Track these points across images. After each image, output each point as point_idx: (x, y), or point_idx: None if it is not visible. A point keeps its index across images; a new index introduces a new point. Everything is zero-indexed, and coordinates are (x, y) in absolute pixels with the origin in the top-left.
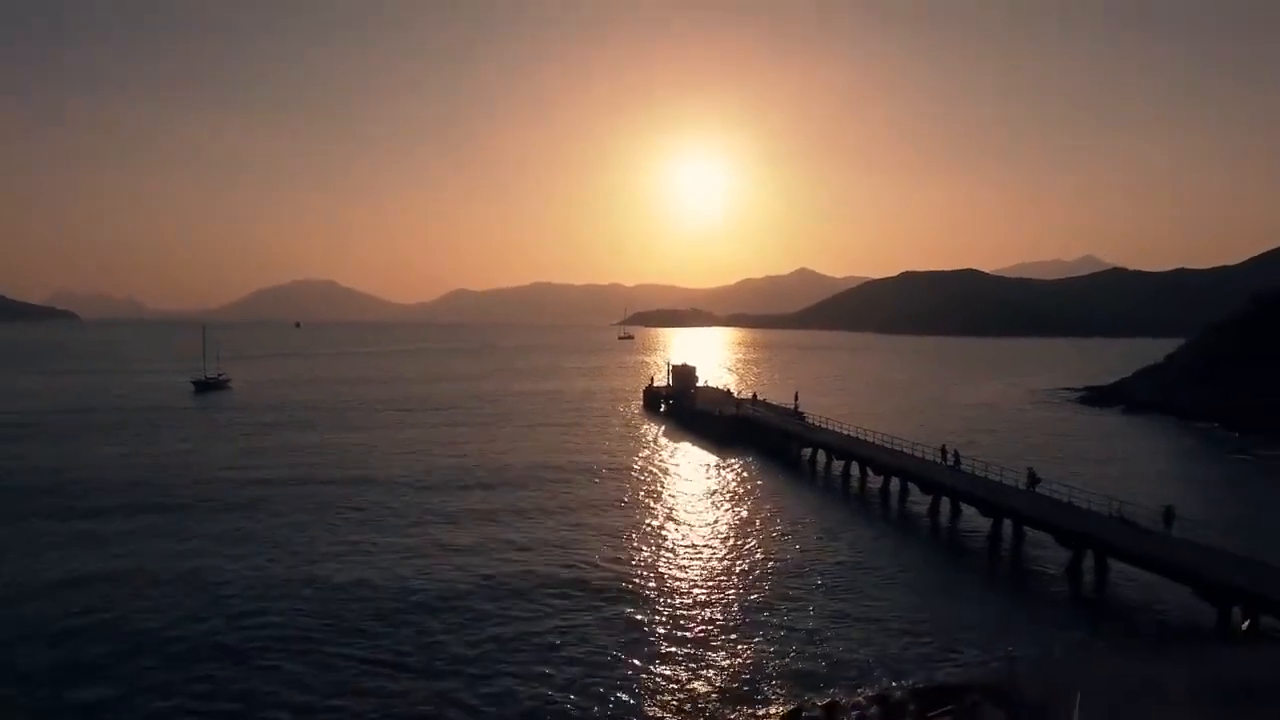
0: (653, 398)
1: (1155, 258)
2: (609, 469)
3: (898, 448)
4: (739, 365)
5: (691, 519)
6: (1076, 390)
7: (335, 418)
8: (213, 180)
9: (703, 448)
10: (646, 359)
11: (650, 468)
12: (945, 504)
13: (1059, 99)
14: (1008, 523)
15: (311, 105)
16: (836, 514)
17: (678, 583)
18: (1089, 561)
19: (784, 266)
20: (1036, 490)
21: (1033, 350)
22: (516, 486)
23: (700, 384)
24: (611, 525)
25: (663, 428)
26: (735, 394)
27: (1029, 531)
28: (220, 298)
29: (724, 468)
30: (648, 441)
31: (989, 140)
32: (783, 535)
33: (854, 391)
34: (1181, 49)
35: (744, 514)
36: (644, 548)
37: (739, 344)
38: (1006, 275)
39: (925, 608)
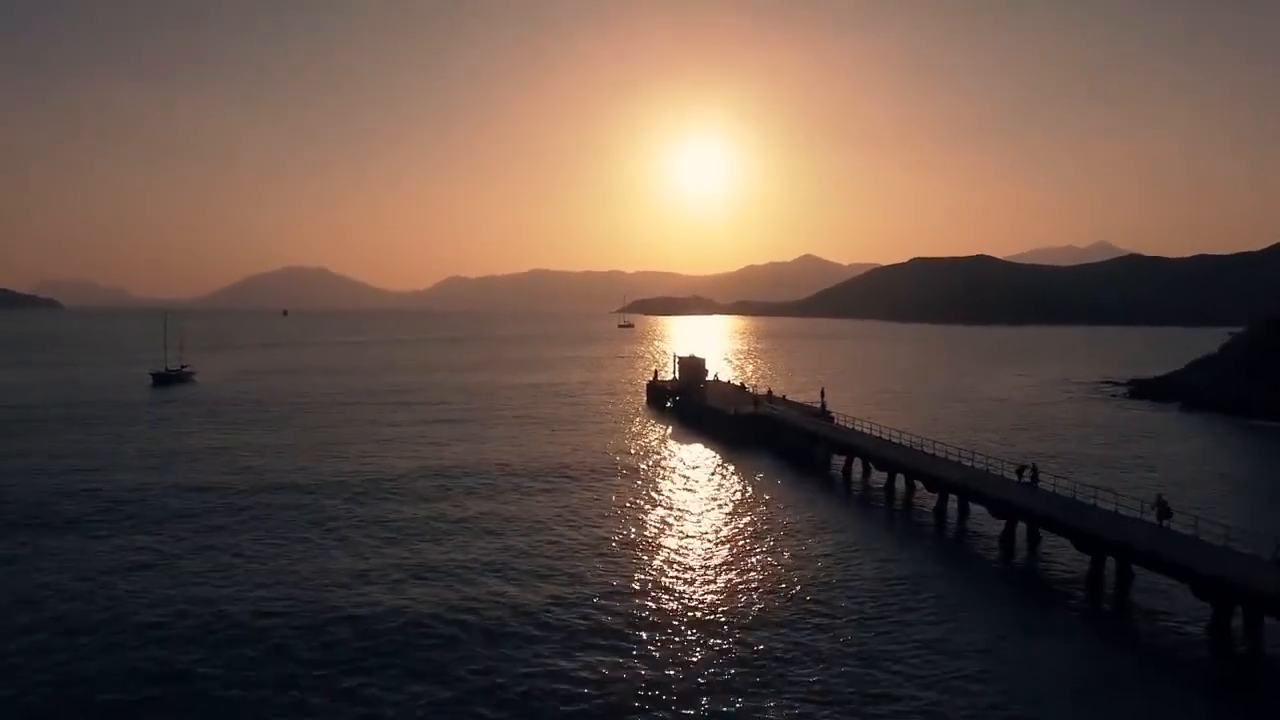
0: (657, 393)
1: (1172, 244)
2: (608, 475)
3: (950, 455)
4: (745, 355)
5: (704, 538)
6: (1120, 384)
7: (304, 413)
8: (202, 166)
9: (715, 451)
10: (648, 349)
11: (655, 474)
12: (1021, 529)
13: (1071, 80)
14: (1111, 561)
15: (304, 90)
16: (880, 538)
17: (689, 618)
18: (1237, 620)
19: (788, 253)
20: (1167, 524)
21: (1050, 339)
22: (503, 494)
23: (709, 377)
24: (609, 543)
25: (669, 428)
26: (753, 389)
27: (1136, 570)
28: (209, 285)
29: (740, 476)
30: (652, 443)
31: (1000, 123)
32: (816, 563)
33: (871, 384)
34: (1197, 26)
35: (767, 537)
36: (647, 572)
37: (743, 333)
38: (1018, 262)
39: (1009, 675)
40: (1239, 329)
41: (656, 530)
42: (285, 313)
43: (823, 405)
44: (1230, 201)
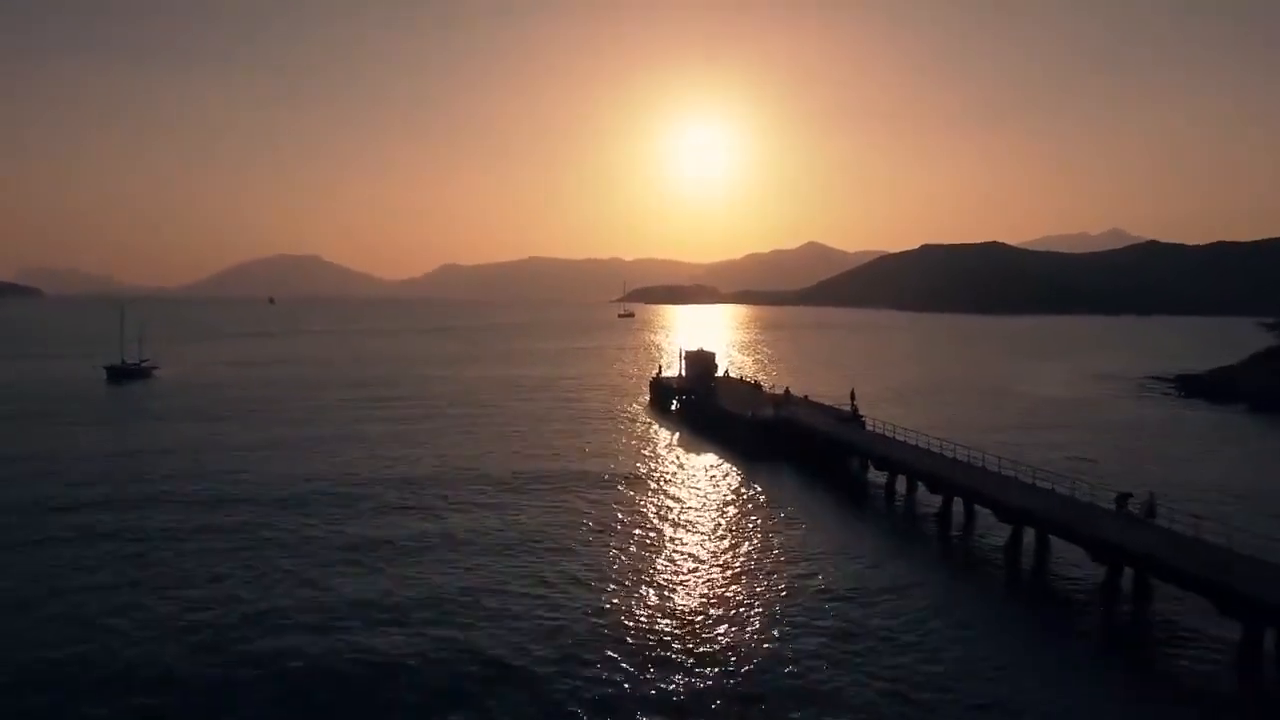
0: (661, 391)
1: (1190, 230)
2: (604, 491)
3: (1018, 473)
4: (753, 347)
5: (722, 572)
6: (1166, 380)
7: (268, 413)
8: (191, 150)
9: (730, 462)
10: (650, 340)
11: (659, 490)
12: (1129, 577)
13: (1082, 62)
14: (1271, 633)
15: (295, 73)
16: (941, 582)
17: (702, 675)
18: None
19: (792, 240)
20: None
21: (1070, 330)
22: (482, 510)
23: (719, 373)
24: (606, 576)
25: (675, 433)
26: (769, 388)
27: None
28: (197, 272)
29: (761, 495)
30: (656, 451)
31: (1008, 106)
32: (869, 617)
33: (894, 379)
34: (1214, 5)
35: (801, 576)
36: (653, 612)
37: (748, 323)
38: (1030, 249)
39: None
40: (1269, 320)
41: (663, 561)
42: (271, 301)
43: (853, 408)
44: (1250, 187)
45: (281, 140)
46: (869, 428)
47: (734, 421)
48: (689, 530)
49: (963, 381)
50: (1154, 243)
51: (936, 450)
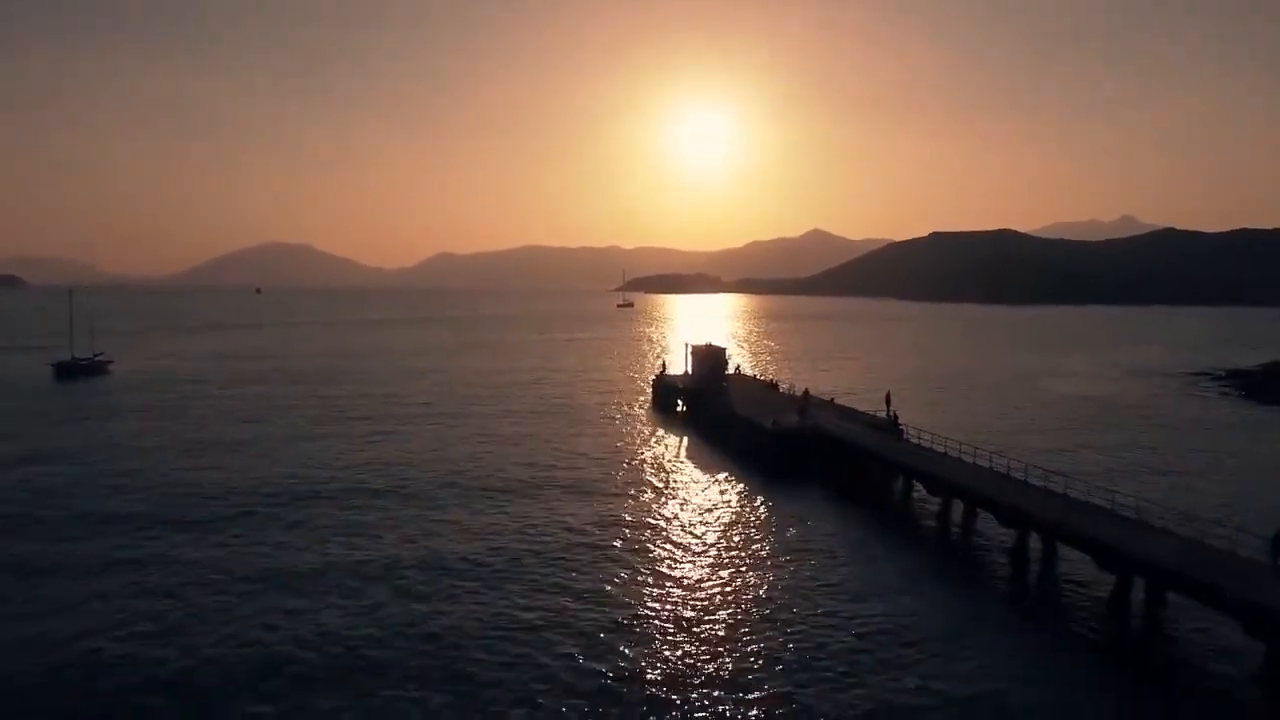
0: (665, 391)
1: (1205, 217)
2: (597, 515)
3: (1109, 502)
4: (760, 339)
5: (735, 623)
6: (1216, 376)
7: (224, 411)
8: (179, 136)
9: (746, 482)
10: (650, 331)
11: (661, 515)
12: None
13: (1092, 44)
14: None
15: (286, 55)
16: (1020, 638)
17: None
18: None
19: (795, 227)
20: None
21: (1092, 320)
22: (453, 533)
23: (730, 370)
24: (596, 626)
25: (682, 441)
26: (787, 388)
27: None
28: (186, 261)
29: (785, 521)
30: (658, 465)
31: (1016, 90)
32: (916, 676)
33: (918, 376)
34: None
35: (833, 620)
36: (652, 675)
37: (752, 313)
38: (1041, 237)
39: None
40: None
41: (665, 605)
42: (259, 290)
43: (890, 415)
44: (1269, 172)
45: (273, 126)
46: (906, 437)
47: (751, 430)
48: (697, 565)
49: (990, 377)
50: (1170, 230)
51: (1002, 469)
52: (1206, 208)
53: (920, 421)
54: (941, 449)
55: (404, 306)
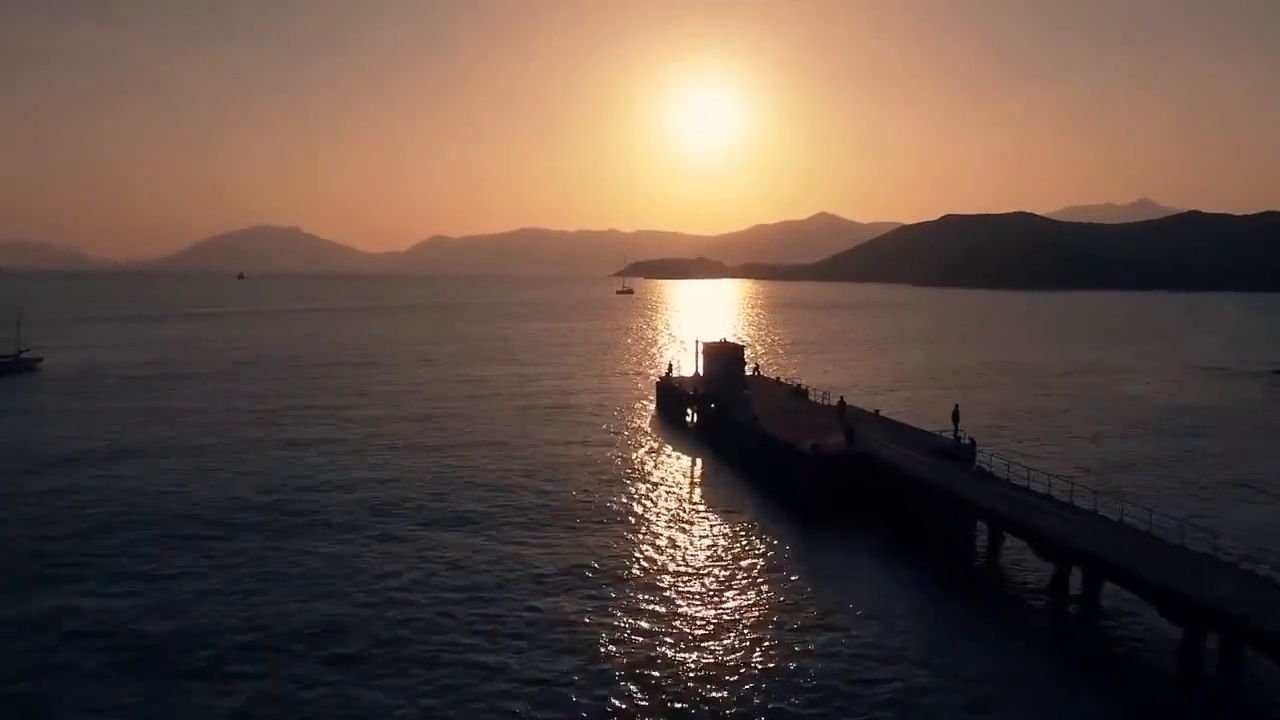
0: (672, 399)
1: (1229, 200)
2: (585, 567)
3: None
4: (768, 330)
5: None
6: None
7: (156, 414)
8: (163, 116)
9: (780, 522)
10: (653, 322)
11: (664, 574)
12: None
13: (1106, 18)
14: None
15: (275, 32)
16: None
17: None
18: None
19: (802, 210)
20: None
21: (1131, 308)
22: (414, 586)
23: (748, 370)
24: None
25: (694, 466)
26: (822, 397)
27: None
28: (173, 245)
29: (833, 582)
30: (661, 502)
31: (1028, 67)
32: None
33: (953, 373)
34: None
35: None
36: None
37: (757, 300)
38: (1057, 220)
39: None
40: None
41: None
42: (241, 276)
43: (959, 436)
44: None
45: (261, 106)
46: (982, 462)
47: (783, 455)
48: (721, 644)
49: (1044, 376)
50: (1195, 213)
51: (1142, 526)
52: (1230, 190)
53: (985, 437)
54: (1028, 480)
55: (390, 293)
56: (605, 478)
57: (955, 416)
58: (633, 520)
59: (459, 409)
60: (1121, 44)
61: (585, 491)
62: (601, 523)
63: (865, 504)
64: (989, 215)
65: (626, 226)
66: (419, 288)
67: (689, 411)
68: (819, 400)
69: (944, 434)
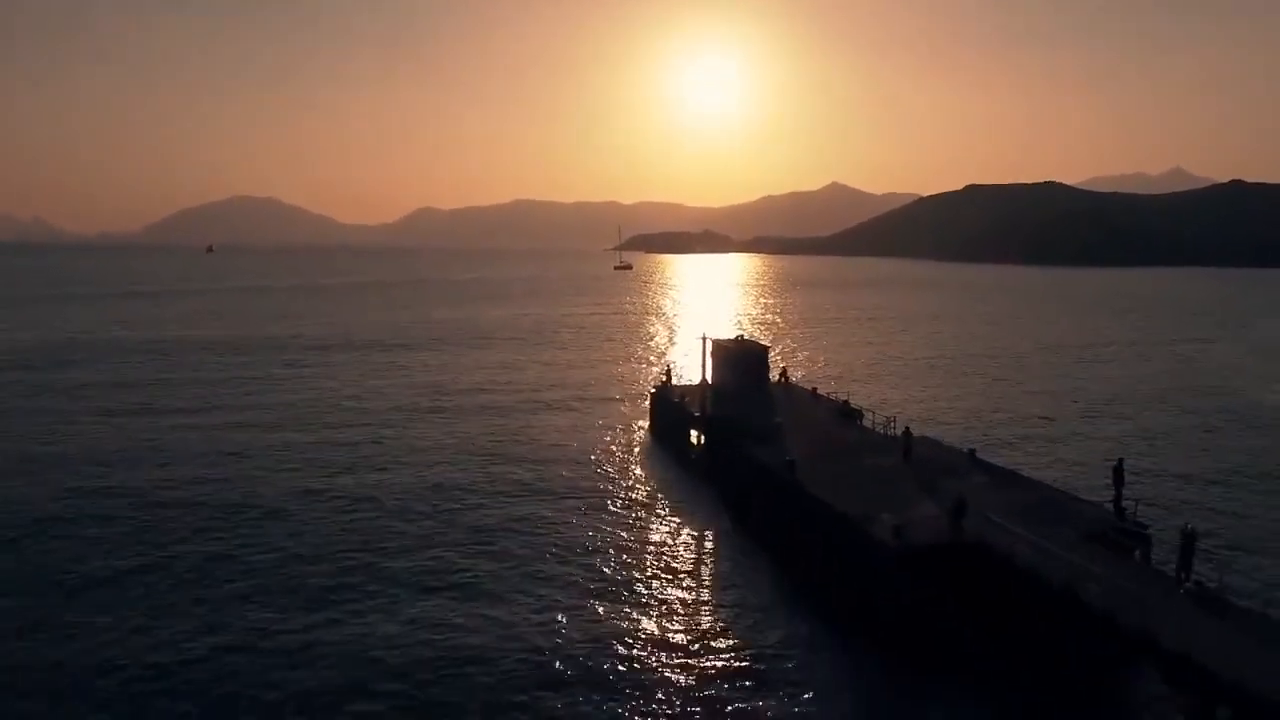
0: (672, 417)
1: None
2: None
3: None
4: (782, 314)
5: None
6: None
7: (83, 409)
8: (136, 78)
9: (842, 667)
10: (654, 302)
11: None
12: None
13: None
14: None
15: None
16: None
17: None
18: None
19: (813, 181)
20: None
21: (1180, 286)
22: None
23: (774, 376)
24: None
25: (703, 540)
26: (891, 425)
27: None
28: (148, 217)
29: None
30: (647, 627)
31: (1053, 29)
32: None
33: (1030, 382)
34: None
35: None
36: None
37: (767, 276)
38: (1088, 190)
39: None
40: None
41: None
42: (210, 249)
43: (1122, 509)
44: None
45: (238, 70)
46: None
47: (843, 538)
48: None
49: (1151, 384)
50: (1238, 182)
51: None
52: (1268, 157)
53: (1154, 505)
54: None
55: (366, 268)
56: (567, 556)
57: (1118, 476)
58: (597, 679)
59: (403, 416)
60: (1151, 2)
61: (538, 581)
62: (551, 678)
63: (979, 630)
64: (1015, 185)
65: (626, 198)
66: (404, 262)
67: (693, 435)
68: (875, 426)
69: (1104, 503)
